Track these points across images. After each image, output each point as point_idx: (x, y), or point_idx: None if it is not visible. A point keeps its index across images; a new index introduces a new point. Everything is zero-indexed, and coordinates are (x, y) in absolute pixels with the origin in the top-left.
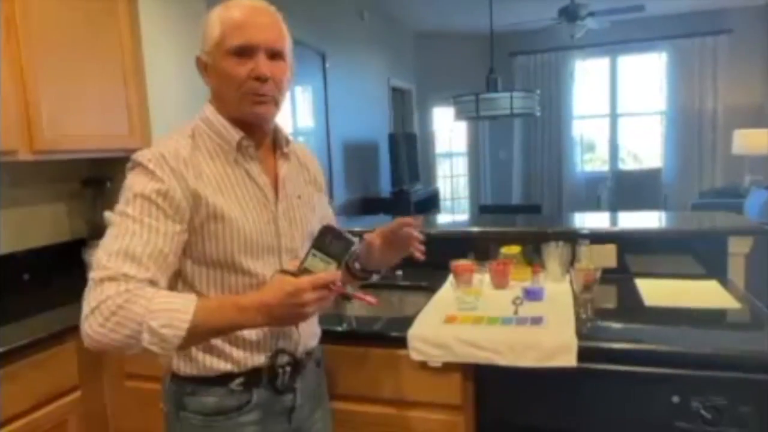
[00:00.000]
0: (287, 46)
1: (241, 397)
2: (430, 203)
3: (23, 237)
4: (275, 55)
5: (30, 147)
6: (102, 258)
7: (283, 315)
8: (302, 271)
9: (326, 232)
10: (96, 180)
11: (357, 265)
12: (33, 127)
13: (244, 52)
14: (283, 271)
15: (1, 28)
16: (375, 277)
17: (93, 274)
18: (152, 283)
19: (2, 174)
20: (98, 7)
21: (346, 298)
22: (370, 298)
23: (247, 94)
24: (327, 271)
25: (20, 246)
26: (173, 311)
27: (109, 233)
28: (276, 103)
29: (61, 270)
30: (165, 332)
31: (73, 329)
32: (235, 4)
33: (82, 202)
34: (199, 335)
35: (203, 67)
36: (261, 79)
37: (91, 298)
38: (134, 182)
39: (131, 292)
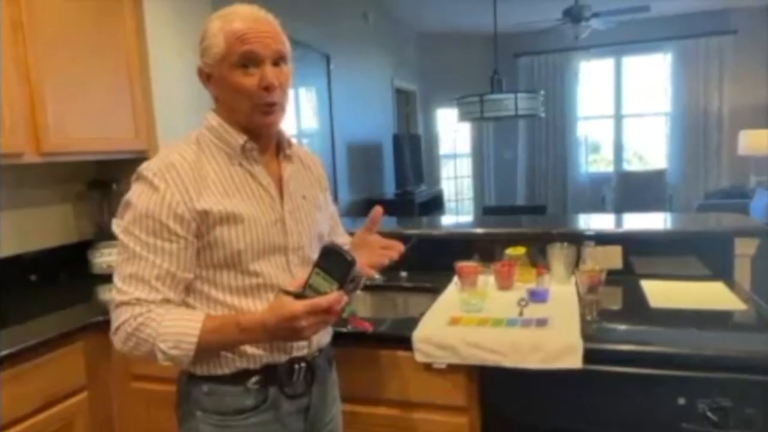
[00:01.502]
0: (288, 49)
1: (257, 396)
2: (434, 204)
3: (30, 238)
4: (279, 60)
5: (36, 149)
6: (117, 282)
7: (282, 336)
8: (306, 290)
9: (328, 251)
10: (102, 182)
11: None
12: (39, 129)
13: (250, 62)
14: (285, 292)
15: (8, 30)
16: (361, 282)
17: (113, 296)
18: (165, 301)
19: (9, 176)
20: (104, 10)
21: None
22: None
23: (257, 105)
24: (330, 290)
25: (27, 247)
26: (180, 334)
27: (120, 254)
28: (282, 109)
29: (67, 271)
30: (174, 353)
31: (80, 330)
32: (235, 15)
33: (88, 204)
34: (206, 352)
35: (206, 78)
36: (270, 89)
37: (113, 318)
38: (139, 197)
39: (144, 316)
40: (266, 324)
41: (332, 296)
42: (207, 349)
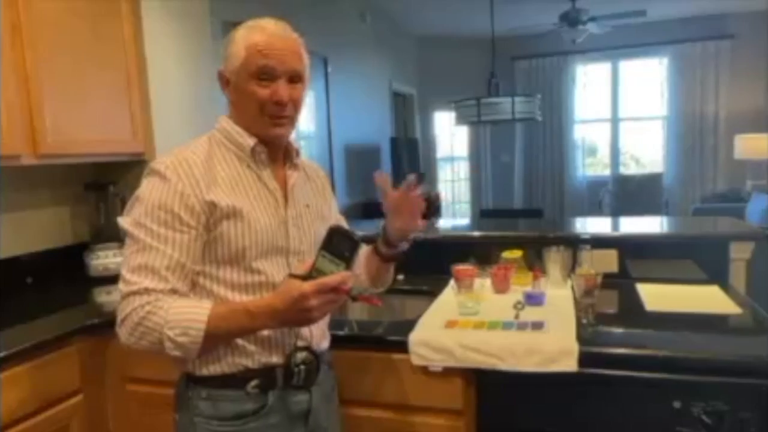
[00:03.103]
0: (306, 68)
1: (257, 401)
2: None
3: (26, 240)
4: (294, 77)
5: (34, 151)
6: (126, 273)
7: (292, 319)
8: (313, 273)
9: (334, 233)
10: (99, 184)
11: (383, 249)
12: (37, 131)
13: (265, 75)
14: (292, 275)
15: (7, 33)
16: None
17: (120, 288)
18: (173, 291)
19: (6, 178)
20: (102, 13)
21: (353, 299)
22: (375, 300)
23: (267, 116)
24: (337, 272)
25: (23, 249)
26: (188, 321)
27: (130, 246)
28: (292, 123)
29: (64, 274)
30: (182, 340)
31: (76, 333)
32: (259, 28)
33: (84, 206)
34: (215, 340)
35: (225, 83)
36: (281, 104)
37: (119, 310)
38: (150, 190)
39: (152, 304)
40: (275, 307)
41: (340, 275)
42: (216, 336)
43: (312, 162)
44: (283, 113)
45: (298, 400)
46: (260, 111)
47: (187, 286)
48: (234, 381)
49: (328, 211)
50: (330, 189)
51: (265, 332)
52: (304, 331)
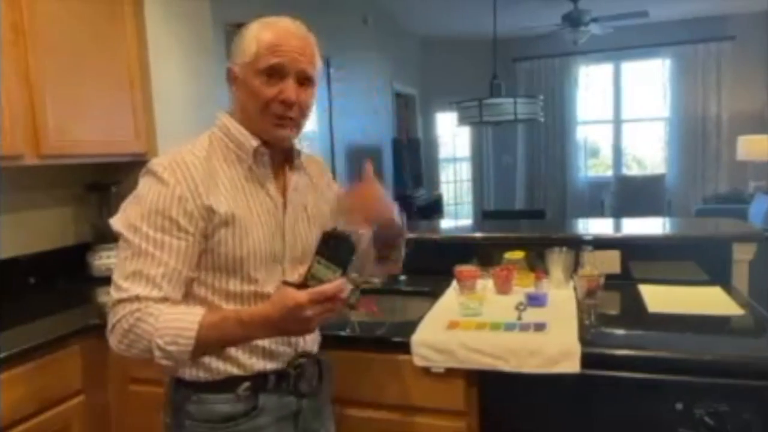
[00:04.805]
0: (317, 71)
1: (247, 403)
2: (433, 208)
3: (28, 241)
4: (304, 80)
5: (36, 152)
6: (118, 280)
7: (287, 329)
8: (308, 280)
9: (328, 237)
10: (101, 185)
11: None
12: (39, 131)
13: (275, 73)
14: (287, 283)
15: (9, 34)
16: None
17: (111, 294)
18: (164, 299)
19: (7, 178)
20: (105, 13)
21: (350, 307)
22: (372, 307)
23: (271, 116)
24: (334, 277)
25: (25, 250)
26: (178, 329)
27: (124, 251)
28: (298, 127)
29: (66, 274)
30: (172, 349)
31: (78, 333)
32: (272, 24)
33: (86, 207)
34: (205, 349)
35: (232, 79)
36: (287, 104)
37: (109, 317)
38: (147, 193)
39: (141, 311)
40: (269, 317)
41: (336, 283)
42: (206, 344)
43: (314, 157)
44: (288, 114)
45: (289, 401)
46: (263, 110)
47: (181, 293)
48: (225, 385)
49: (329, 213)
50: (333, 184)
51: (258, 342)
52: (297, 338)
